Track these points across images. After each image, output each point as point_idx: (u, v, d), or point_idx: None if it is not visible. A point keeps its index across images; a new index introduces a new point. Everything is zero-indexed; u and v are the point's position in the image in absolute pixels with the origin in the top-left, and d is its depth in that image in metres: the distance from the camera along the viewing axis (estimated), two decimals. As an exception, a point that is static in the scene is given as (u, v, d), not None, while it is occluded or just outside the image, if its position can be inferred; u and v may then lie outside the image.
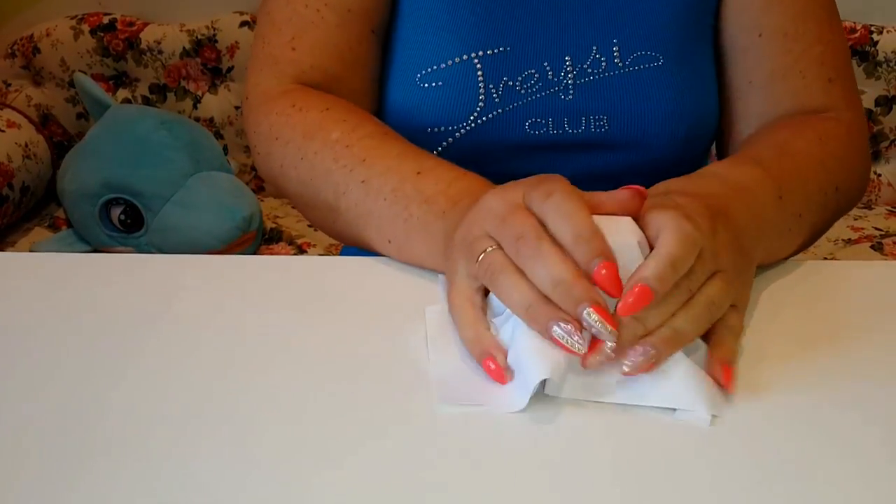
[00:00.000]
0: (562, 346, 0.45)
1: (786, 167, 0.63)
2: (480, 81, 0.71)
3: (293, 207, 0.72)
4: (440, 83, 0.71)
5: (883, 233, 1.67)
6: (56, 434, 0.44)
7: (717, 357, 0.48)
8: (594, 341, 0.45)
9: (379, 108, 0.77)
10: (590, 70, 0.72)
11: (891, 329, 0.55)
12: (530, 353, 0.46)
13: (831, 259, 1.49)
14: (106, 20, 1.79)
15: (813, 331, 0.55)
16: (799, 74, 0.73)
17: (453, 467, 0.42)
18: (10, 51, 1.81)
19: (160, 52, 1.78)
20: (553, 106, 0.72)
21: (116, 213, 1.59)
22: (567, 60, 0.72)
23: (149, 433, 0.44)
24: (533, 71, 0.72)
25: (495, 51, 0.71)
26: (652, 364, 0.45)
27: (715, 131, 0.78)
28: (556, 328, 0.45)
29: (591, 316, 0.44)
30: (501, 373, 0.47)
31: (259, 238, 1.65)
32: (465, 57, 0.71)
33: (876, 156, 1.80)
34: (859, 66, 1.73)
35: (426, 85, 0.72)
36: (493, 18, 0.71)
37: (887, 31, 1.72)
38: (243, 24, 1.78)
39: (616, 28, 0.72)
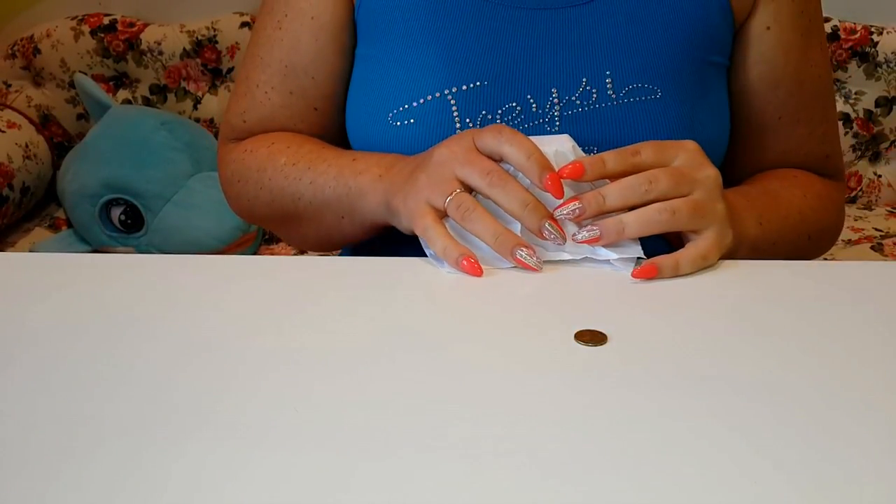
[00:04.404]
0: (522, 265, 0.61)
1: (768, 204, 0.72)
2: (456, 116, 0.70)
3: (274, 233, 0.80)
4: (413, 121, 0.71)
5: (883, 233, 1.67)
6: (56, 434, 0.44)
7: (659, 259, 0.60)
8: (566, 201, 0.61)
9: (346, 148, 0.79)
10: (578, 102, 0.71)
11: (891, 329, 0.55)
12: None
13: (831, 259, 1.49)
14: (106, 21, 1.79)
15: (813, 331, 0.55)
16: (803, 156, 0.80)
17: (459, 465, 0.42)
18: (10, 51, 1.81)
19: (160, 52, 1.78)
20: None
21: (116, 213, 1.59)
22: (553, 93, 0.71)
23: (149, 433, 0.44)
24: (514, 104, 0.71)
25: (470, 86, 0.71)
26: (595, 239, 0.61)
27: (720, 168, 0.78)
28: (519, 251, 0.60)
29: (550, 227, 0.60)
30: (477, 266, 0.60)
31: (259, 238, 1.65)
32: (437, 94, 0.71)
33: (876, 157, 1.80)
34: (859, 66, 1.73)
35: (399, 123, 0.72)
36: (467, 55, 0.71)
37: (887, 32, 1.72)
38: (243, 24, 1.78)
39: (609, 61, 0.71)
